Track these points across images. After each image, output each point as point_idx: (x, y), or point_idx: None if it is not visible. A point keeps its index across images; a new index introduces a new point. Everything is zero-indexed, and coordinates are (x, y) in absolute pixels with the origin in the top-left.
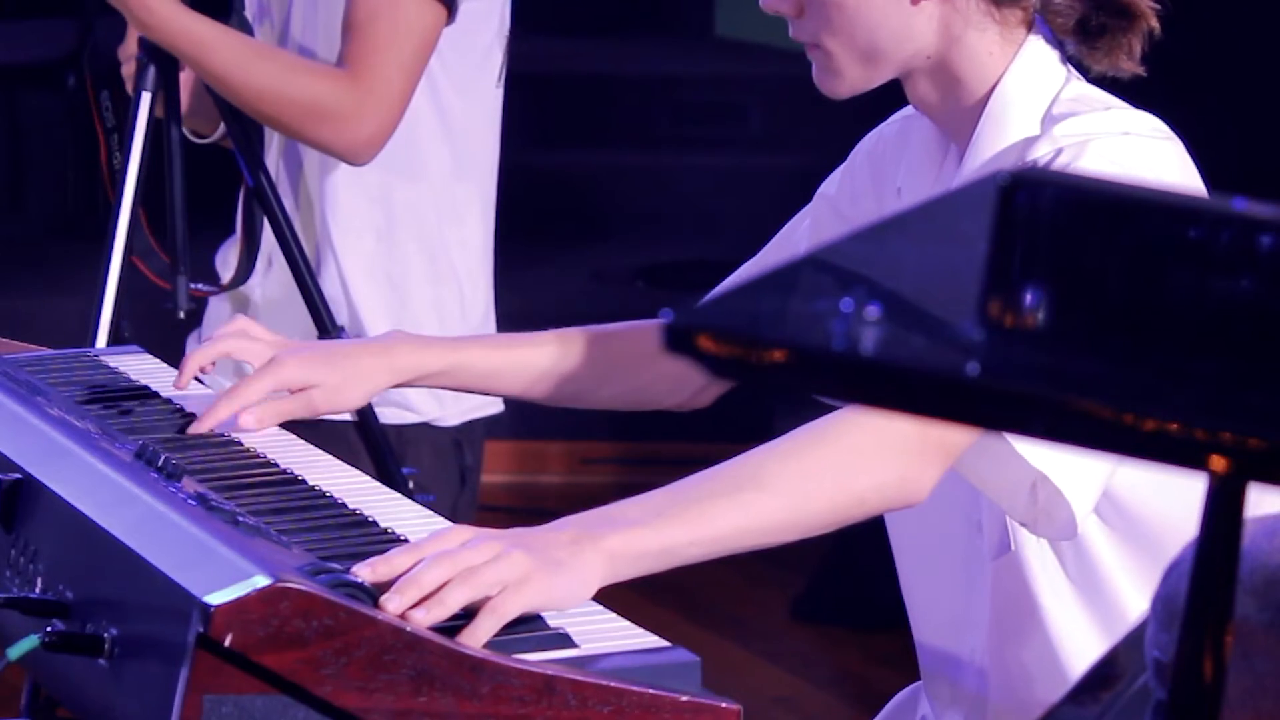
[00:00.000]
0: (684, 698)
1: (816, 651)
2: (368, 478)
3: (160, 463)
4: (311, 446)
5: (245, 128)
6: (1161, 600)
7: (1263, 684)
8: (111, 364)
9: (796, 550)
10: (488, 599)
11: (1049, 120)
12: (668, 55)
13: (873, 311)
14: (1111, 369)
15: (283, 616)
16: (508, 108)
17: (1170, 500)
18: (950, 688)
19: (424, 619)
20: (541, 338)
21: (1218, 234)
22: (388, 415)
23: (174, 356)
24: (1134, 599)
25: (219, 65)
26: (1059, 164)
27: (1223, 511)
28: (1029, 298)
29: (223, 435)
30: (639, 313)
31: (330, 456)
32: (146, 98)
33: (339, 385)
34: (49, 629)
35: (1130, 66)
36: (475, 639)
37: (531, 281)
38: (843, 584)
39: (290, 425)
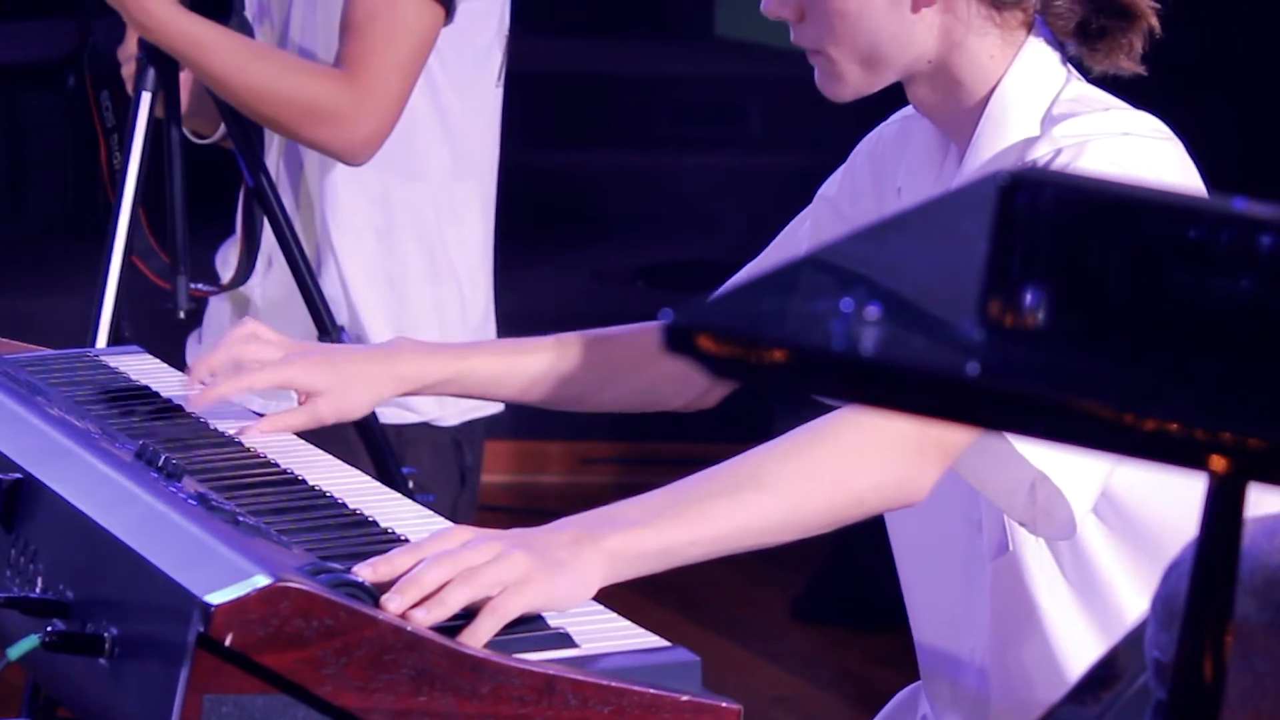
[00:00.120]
0: (684, 698)
1: (816, 651)
2: (368, 478)
3: (160, 462)
4: (311, 446)
5: (245, 128)
6: (1161, 600)
7: (1263, 684)
8: (111, 364)
9: (796, 550)
10: (488, 599)
11: (1049, 121)
12: (668, 55)
13: (873, 311)
14: (1111, 369)
15: (283, 616)
16: (508, 108)
17: (1169, 500)
18: (950, 688)
19: (424, 619)
20: (542, 343)
21: (1218, 234)
22: (388, 415)
23: (174, 356)
24: (1132, 599)
25: (216, 66)
26: (1058, 164)
27: (1223, 511)
28: (1029, 298)
29: (223, 435)
30: (639, 313)
31: (330, 456)
32: (146, 98)
33: (343, 393)
34: (49, 629)
35: (1131, 66)
36: (476, 639)
37: (531, 281)
38: (843, 584)
39: None
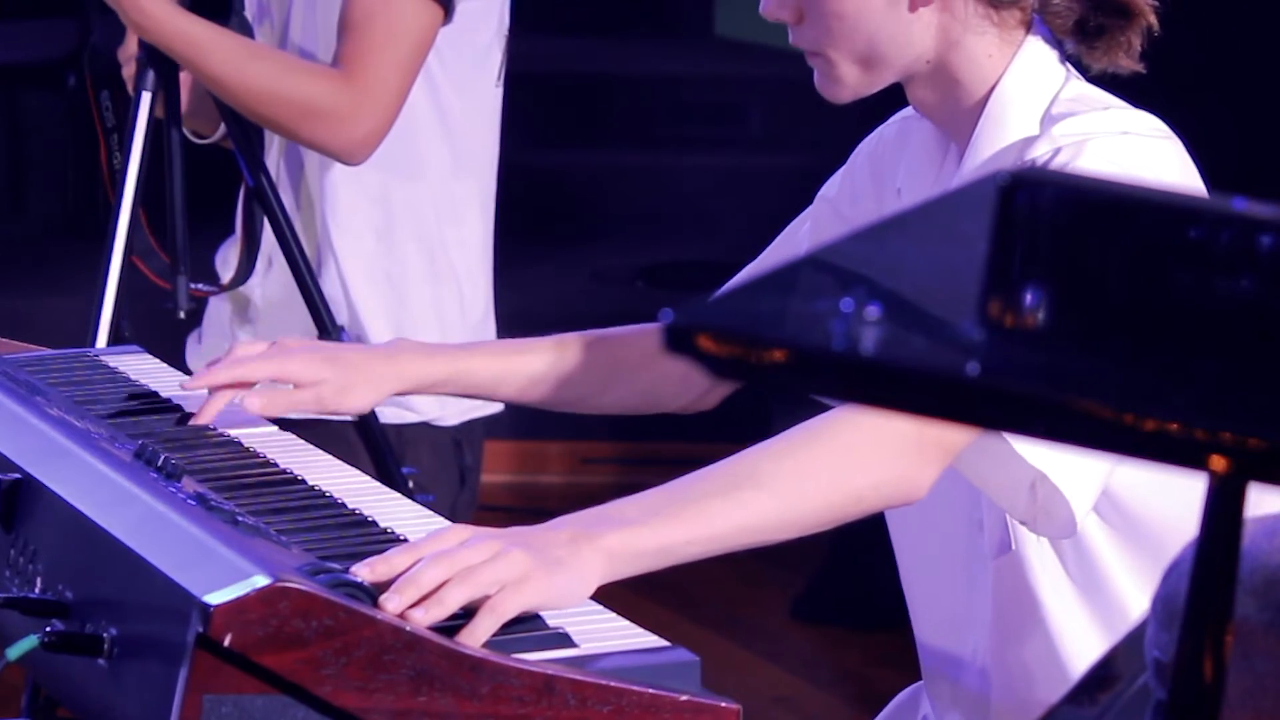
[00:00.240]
0: (684, 698)
1: (816, 651)
2: (367, 478)
3: (160, 462)
4: (311, 446)
5: (246, 128)
6: (1161, 600)
7: (1263, 684)
8: (111, 364)
9: (796, 550)
10: (487, 598)
11: (1048, 120)
12: (668, 55)
13: (873, 311)
14: (1111, 369)
15: (282, 616)
16: (507, 107)
17: (1171, 500)
18: (951, 687)
19: (423, 618)
20: (543, 343)
21: (1218, 234)
22: (387, 415)
23: (174, 356)
24: (1135, 598)
25: (214, 66)
26: (1057, 163)
27: (1223, 511)
28: (1029, 298)
29: (223, 435)
30: (639, 313)
31: (330, 456)
32: (147, 98)
33: (345, 387)
34: (49, 629)
35: (1129, 64)
36: (474, 638)
37: (531, 281)
38: (843, 584)
39: (290, 425)
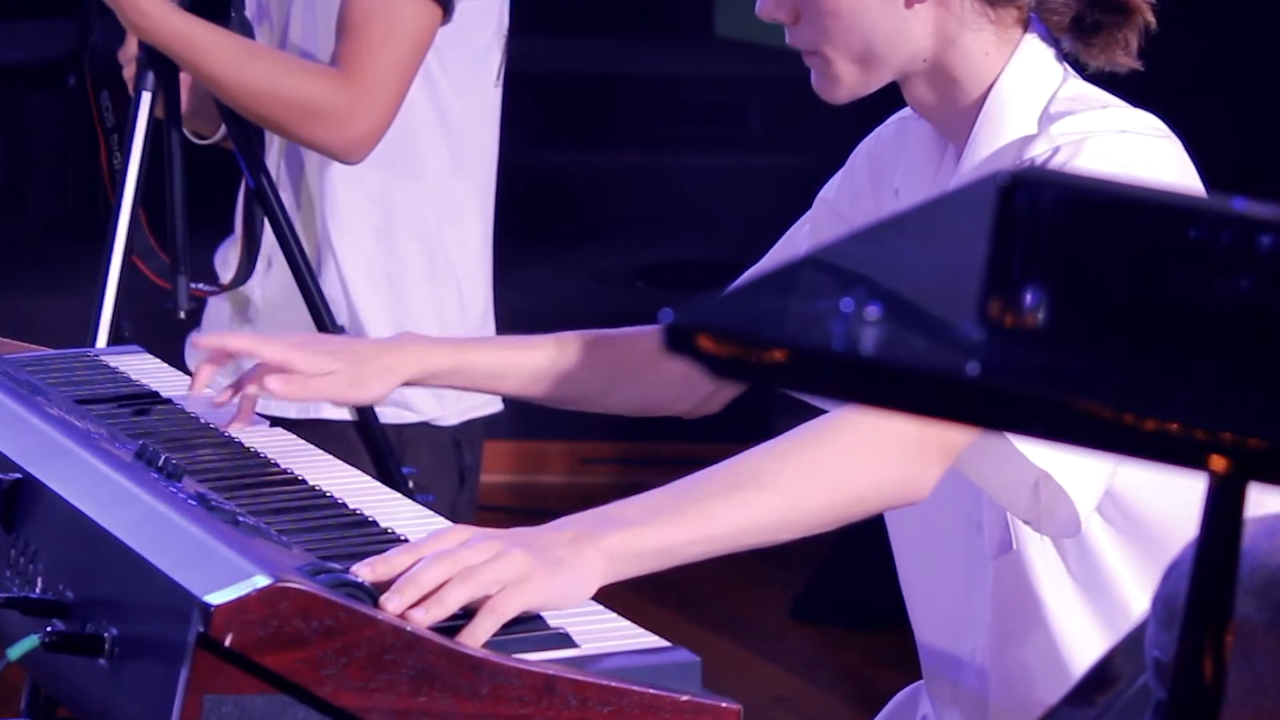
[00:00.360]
0: (684, 698)
1: (816, 651)
2: (368, 478)
3: (160, 462)
4: (312, 447)
5: (246, 129)
6: (1161, 600)
7: (1263, 684)
8: (111, 364)
9: (796, 550)
10: (487, 598)
11: (1046, 119)
12: (668, 55)
13: (873, 311)
14: (1111, 369)
15: (283, 616)
16: (507, 107)
17: (1173, 499)
18: (951, 687)
19: (423, 619)
20: (546, 340)
21: (1218, 234)
22: (387, 415)
23: (174, 356)
24: (1137, 598)
25: (212, 66)
26: (1056, 162)
27: (1223, 511)
28: (1029, 298)
29: (223, 435)
30: (639, 313)
31: (330, 456)
32: (147, 98)
33: (357, 379)
34: (49, 629)
35: (1127, 61)
36: (475, 638)
37: (531, 281)
38: (843, 584)
39: (290, 425)
